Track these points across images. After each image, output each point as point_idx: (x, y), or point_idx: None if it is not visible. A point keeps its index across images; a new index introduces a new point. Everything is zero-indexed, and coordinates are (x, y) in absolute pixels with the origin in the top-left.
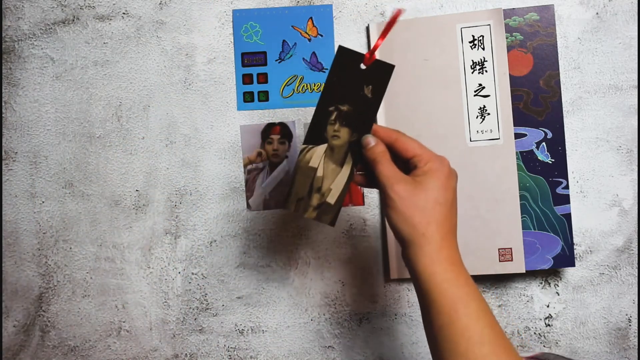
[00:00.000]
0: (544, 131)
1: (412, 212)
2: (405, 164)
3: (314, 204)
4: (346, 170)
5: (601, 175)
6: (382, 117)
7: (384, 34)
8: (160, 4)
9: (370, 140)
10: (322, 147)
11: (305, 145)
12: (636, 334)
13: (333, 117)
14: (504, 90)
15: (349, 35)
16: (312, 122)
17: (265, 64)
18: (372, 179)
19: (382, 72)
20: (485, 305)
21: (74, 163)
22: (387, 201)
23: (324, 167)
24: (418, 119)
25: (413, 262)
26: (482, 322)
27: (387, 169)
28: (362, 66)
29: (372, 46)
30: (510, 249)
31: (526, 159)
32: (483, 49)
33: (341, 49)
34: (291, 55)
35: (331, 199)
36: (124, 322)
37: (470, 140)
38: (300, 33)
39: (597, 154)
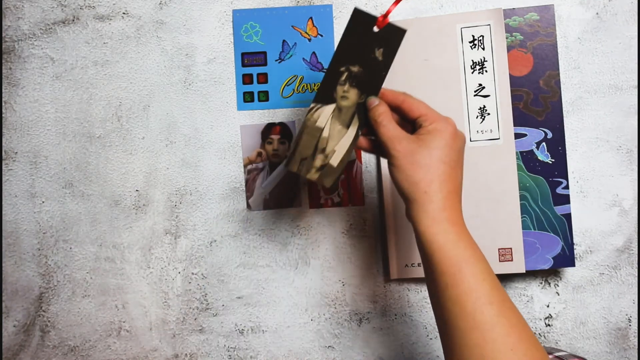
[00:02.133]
0: (544, 131)
1: (414, 169)
2: (412, 125)
3: (317, 165)
4: (352, 132)
5: (601, 175)
6: None
7: None
8: (160, 4)
9: (374, 100)
10: (330, 108)
11: (313, 105)
12: (636, 334)
13: (343, 77)
14: (504, 90)
15: None
16: (323, 81)
17: (265, 64)
18: (377, 145)
19: (394, 36)
20: (489, 268)
21: (74, 163)
22: (390, 160)
23: (330, 127)
24: None
25: (415, 222)
26: (487, 283)
27: (389, 128)
28: (375, 29)
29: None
30: (510, 249)
31: (526, 159)
32: (483, 49)
33: (356, 11)
34: (291, 55)
35: (334, 161)
36: (124, 322)
37: (470, 140)
38: (300, 33)
39: (597, 154)
